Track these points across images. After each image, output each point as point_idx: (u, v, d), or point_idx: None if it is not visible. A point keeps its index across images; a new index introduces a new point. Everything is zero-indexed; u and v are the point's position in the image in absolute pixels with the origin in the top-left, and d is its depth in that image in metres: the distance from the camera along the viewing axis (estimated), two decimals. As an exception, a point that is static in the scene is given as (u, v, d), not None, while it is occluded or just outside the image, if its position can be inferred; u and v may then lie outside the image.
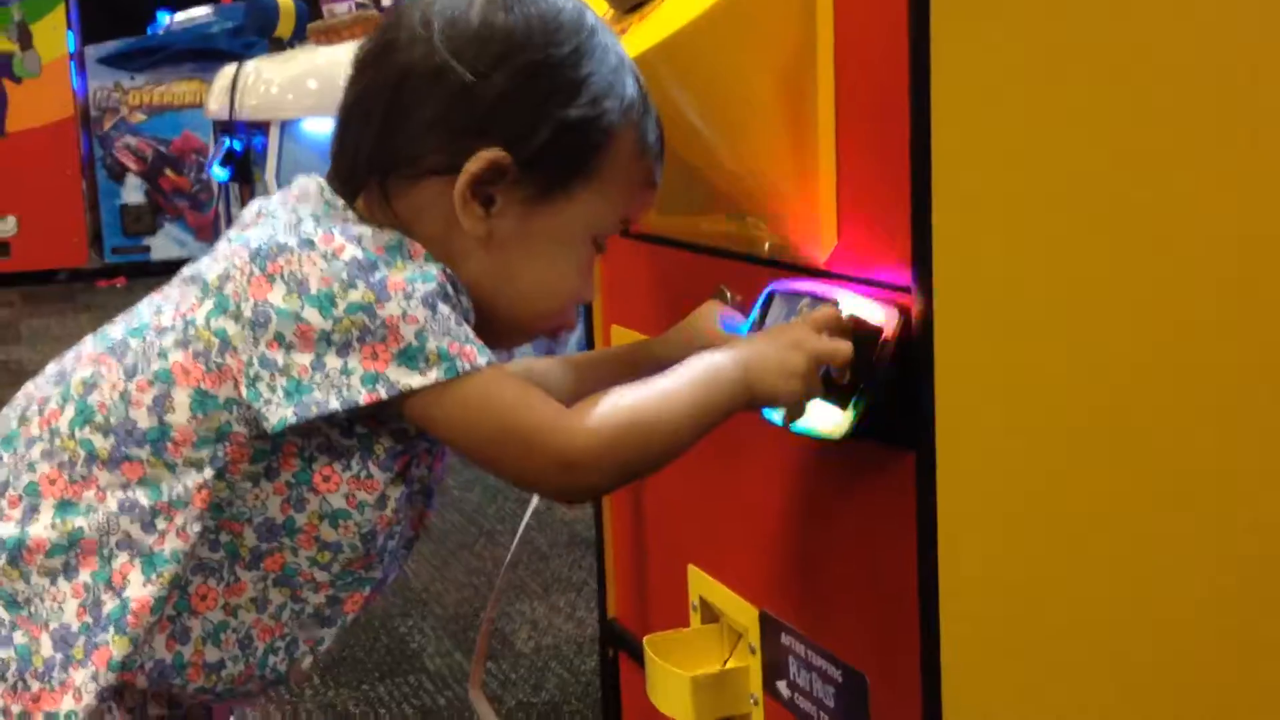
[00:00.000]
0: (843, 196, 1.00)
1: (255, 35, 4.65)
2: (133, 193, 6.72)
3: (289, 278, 0.83)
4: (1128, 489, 0.95)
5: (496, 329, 0.93)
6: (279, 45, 4.51)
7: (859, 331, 0.91)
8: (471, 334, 0.86)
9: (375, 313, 0.82)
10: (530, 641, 2.14)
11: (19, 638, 0.87)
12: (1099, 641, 0.96)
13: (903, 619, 0.96)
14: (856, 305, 0.93)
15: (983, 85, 0.89)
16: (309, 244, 0.84)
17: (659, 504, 1.39)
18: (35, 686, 0.86)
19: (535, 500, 1.37)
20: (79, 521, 0.87)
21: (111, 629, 0.86)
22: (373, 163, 0.91)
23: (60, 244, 6.58)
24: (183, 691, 0.92)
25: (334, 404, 0.82)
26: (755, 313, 1.04)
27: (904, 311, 0.92)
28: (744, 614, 1.20)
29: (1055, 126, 0.91)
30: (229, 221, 4.60)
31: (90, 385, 0.89)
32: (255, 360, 0.84)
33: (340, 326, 0.82)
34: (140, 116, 6.68)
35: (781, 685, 1.15)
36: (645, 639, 1.30)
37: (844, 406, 0.92)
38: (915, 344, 0.91)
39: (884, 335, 0.91)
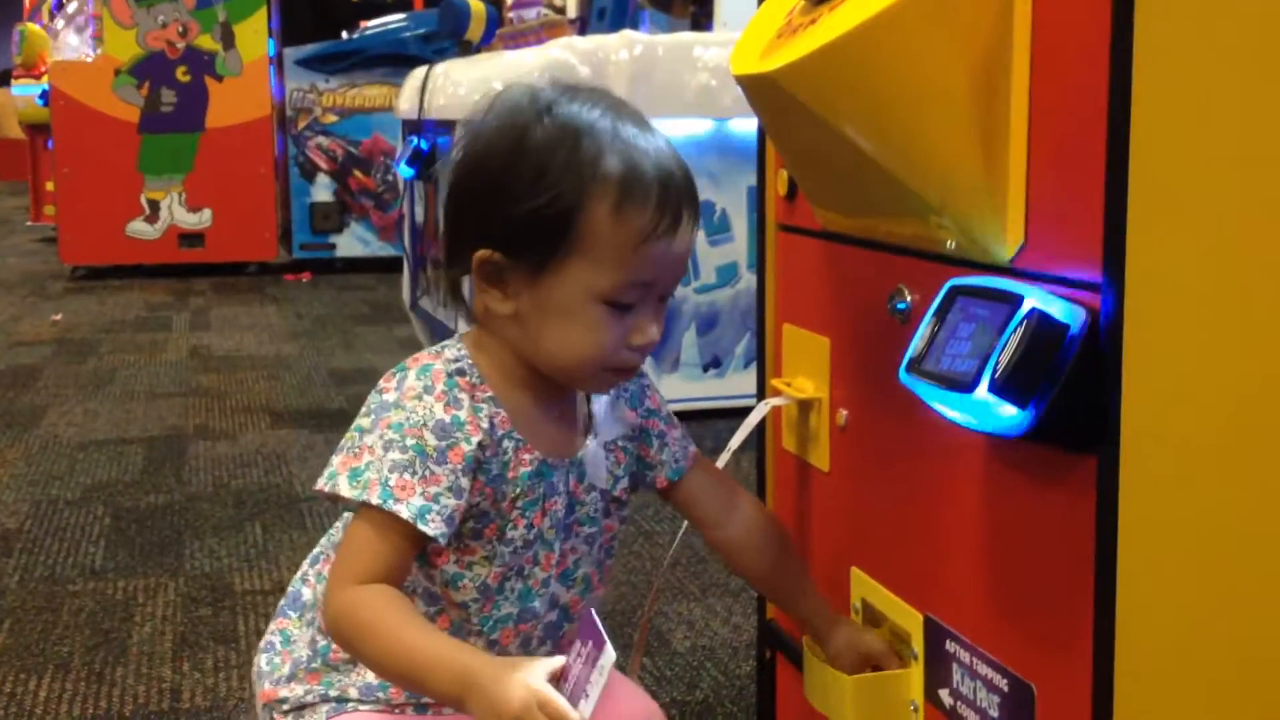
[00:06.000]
0: (1032, 192, 0.97)
1: (447, 40, 4.76)
2: (322, 191, 6.95)
3: None
4: (1324, 508, 0.90)
5: (561, 380, 1.13)
6: (469, 49, 4.61)
7: (1044, 328, 0.89)
8: (403, 479, 1.05)
9: (357, 439, 1.08)
10: (686, 641, 2.14)
11: None
12: (1286, 663, 0.92)
13: (1075, 628, 0.93)
14: (1043, 302, 0.90)
15: (1190, 78, 0.86)
16: None
17: (823, 505, 1.37)
18: (269, 688, 1.18)
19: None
20: None
21: (319, 660, 1.17)
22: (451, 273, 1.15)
23: (252, 238, 6.85)
24: (401, 703, 1.16)
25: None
26: (933, 311, 1.02)
27: (1091, 311, 0.89)
28: (908, 619, 1.18)
29: (1268, 119, 0.87)
30: (413, 221, 4.72)
31: None
32: None
33: (348, 439, 1.09)
34: (333, 118, 6.91)
35: (944, 693, 1.12)
36: (805, 639, 1.29)
37: (1024, 405, 0.90)
38: (1101, 345, 0.88)
39: (1070, 334, 0.89)
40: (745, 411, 1.41)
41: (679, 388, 3.59)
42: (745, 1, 1.56)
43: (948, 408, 0.96)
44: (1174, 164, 0.86)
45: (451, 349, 1.13)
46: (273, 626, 1.22)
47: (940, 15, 0.96)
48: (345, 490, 1.05)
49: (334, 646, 1.14)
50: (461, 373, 1.10)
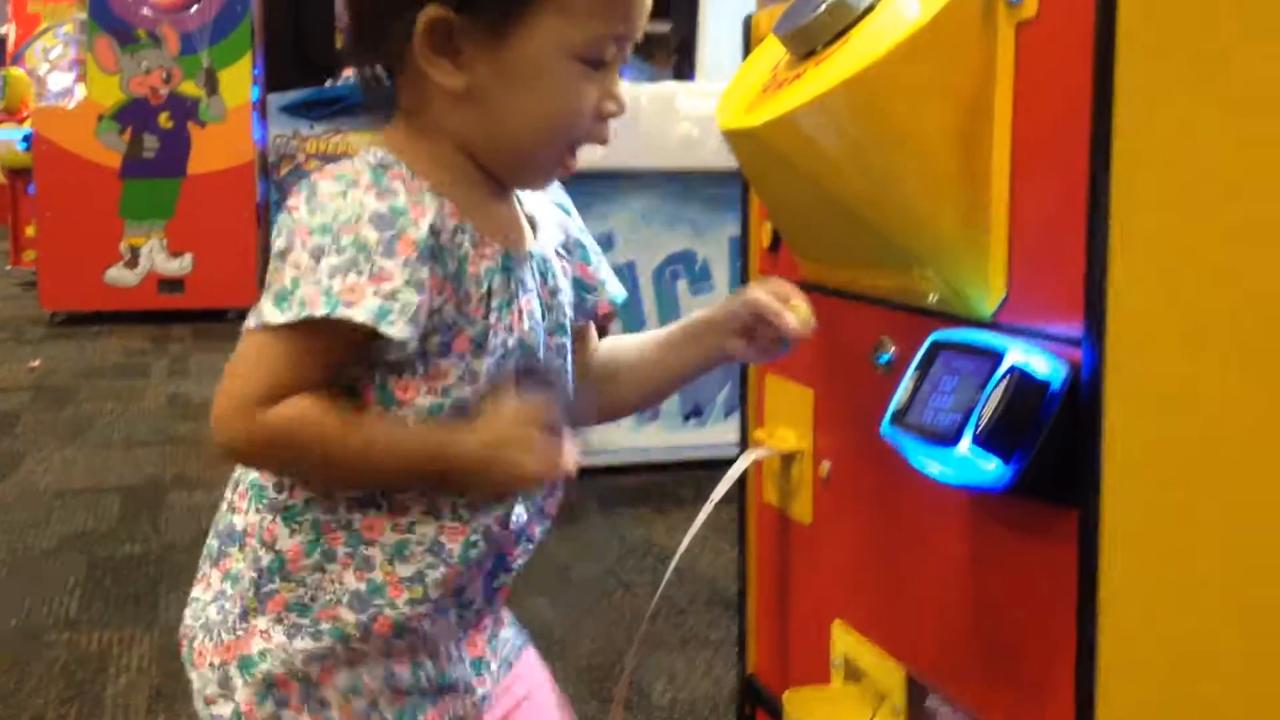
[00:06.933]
0: (1014, 247, 0.98)
1: (429, 89, 4.78)
2: (303, 238, 6.93)
3: None
4: (1306, 564, 0.90)
5: (510, 173, 0.99)
6: (451, 99, 4.63)
7: (1025, 384, 0.89)
8: (348, 281, 0.88)
9: (278, 264, 0.92)
10: (666, 695, 2.13)
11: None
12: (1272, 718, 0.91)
13: (1056, 683, 0.92)
14: (1024, 357, 0.91)
15: (1170, 133, 0.86)
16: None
17: (805, 559, 1.37)
18: (227, 639, 0.99)
19: (676, 558, 1.37)
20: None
21: (277, 578, 0.98)
22: (363, 58, 0.99)
23: (232, 284, 6.83)
24: (406, 614, 0.99)
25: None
26: (916, 365, 1.02)
27: (1073, 366, 0.90)
28: (890, 674, 1.17)
29: (1247, 177, 0.88)
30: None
31: None
32: None
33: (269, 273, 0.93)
34: (315, 164, 6.92)
35: (926, 749, 1.12)
36: (785, 695, 1.28)
37: (1006, 459, 0.90)
38: (1083, 399, 0.88)
39: (1051, 389, 0.89)
40: (727, 461, 1.40)
41: (659, 437, 3.59)
42: (728, 52, 1.57)
43: (930, 461, 0.96)
44: (1155, 219, 0.87)
45: (369, 152, 0.96)
46: (213, 575, 1.03)
47: (924, 71, 0.97)
48: (275, 317, 0.88)
49: (289, 554, 0.98)
50: (386, 166, 0.94)
